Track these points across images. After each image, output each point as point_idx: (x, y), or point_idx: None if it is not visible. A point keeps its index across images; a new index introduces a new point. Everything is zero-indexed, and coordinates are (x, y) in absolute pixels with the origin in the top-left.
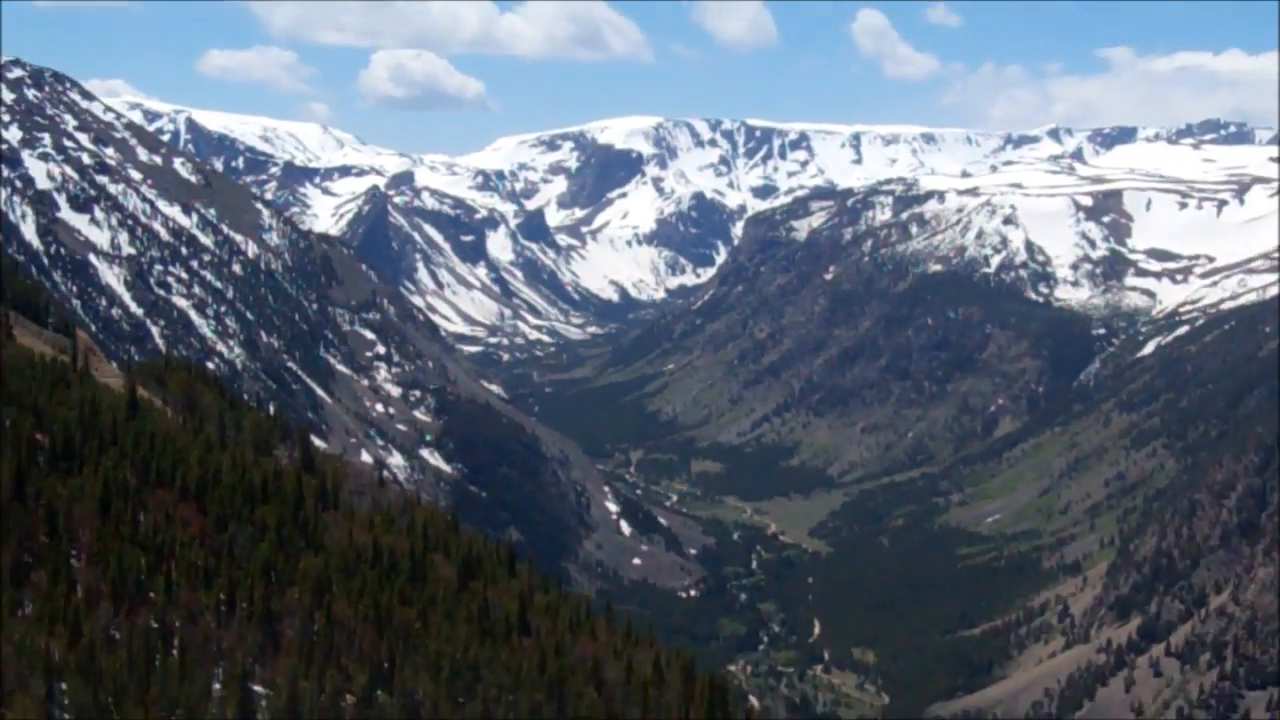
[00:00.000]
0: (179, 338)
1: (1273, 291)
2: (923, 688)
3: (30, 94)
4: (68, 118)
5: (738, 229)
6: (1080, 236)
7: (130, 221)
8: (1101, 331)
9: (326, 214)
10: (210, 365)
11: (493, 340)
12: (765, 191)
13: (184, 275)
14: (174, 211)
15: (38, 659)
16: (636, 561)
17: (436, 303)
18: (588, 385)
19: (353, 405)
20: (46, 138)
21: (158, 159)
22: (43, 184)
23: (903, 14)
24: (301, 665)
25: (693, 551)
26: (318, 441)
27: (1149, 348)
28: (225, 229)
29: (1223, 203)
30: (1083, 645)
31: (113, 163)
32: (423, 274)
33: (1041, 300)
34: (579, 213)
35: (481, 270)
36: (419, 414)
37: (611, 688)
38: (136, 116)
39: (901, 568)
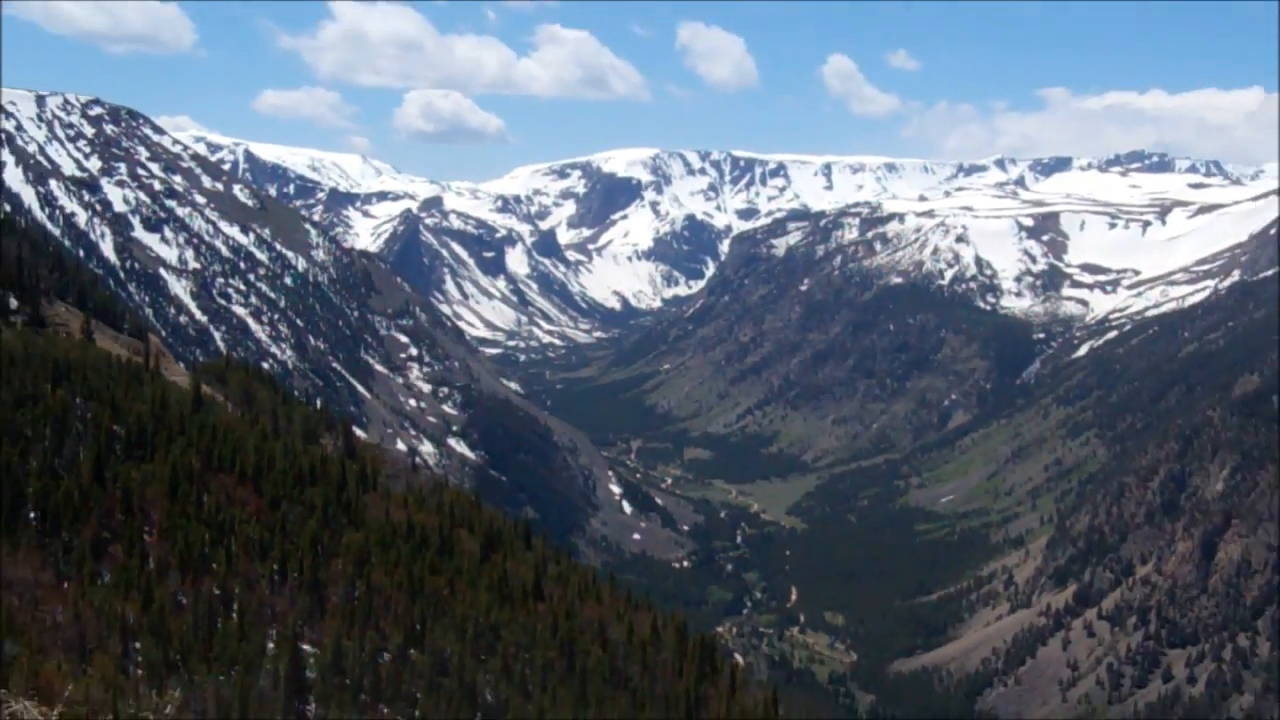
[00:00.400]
0: (238, 341)
1: (1190, 301)
2: (886, 646)
3: (108, 129)
4: (141, 150)
5: (724, 246)
6: (1023, 253)
7: (195, 240)
8: (1041, 336)
9: (366, 233)
10: (265, 365)
11: (511, 343)
12: (748, 214)
13: (242, 287)
14: (233, 231)
15: (115, 621)
16: (636, 536)
17: (462, 311)
18: (593, 383)
19: (389, 400)
20: (122, 167)
21: (219, 185)
22: (119, 207)
23: (867, 59)
24: (344, 627)
25: (685, 528)
26: (358, 432)
27: (1083, 350)
28: (278, 246)
29: (1147, 223)
30: (1025, 610)
31: (180, 189)
32: (450, 286)
33: (989, 308)
34: (586, 232)
35: (501, 282)
36: (447, 408)
37: (615, 647)
38: (200, 148)
39: (867, 542)
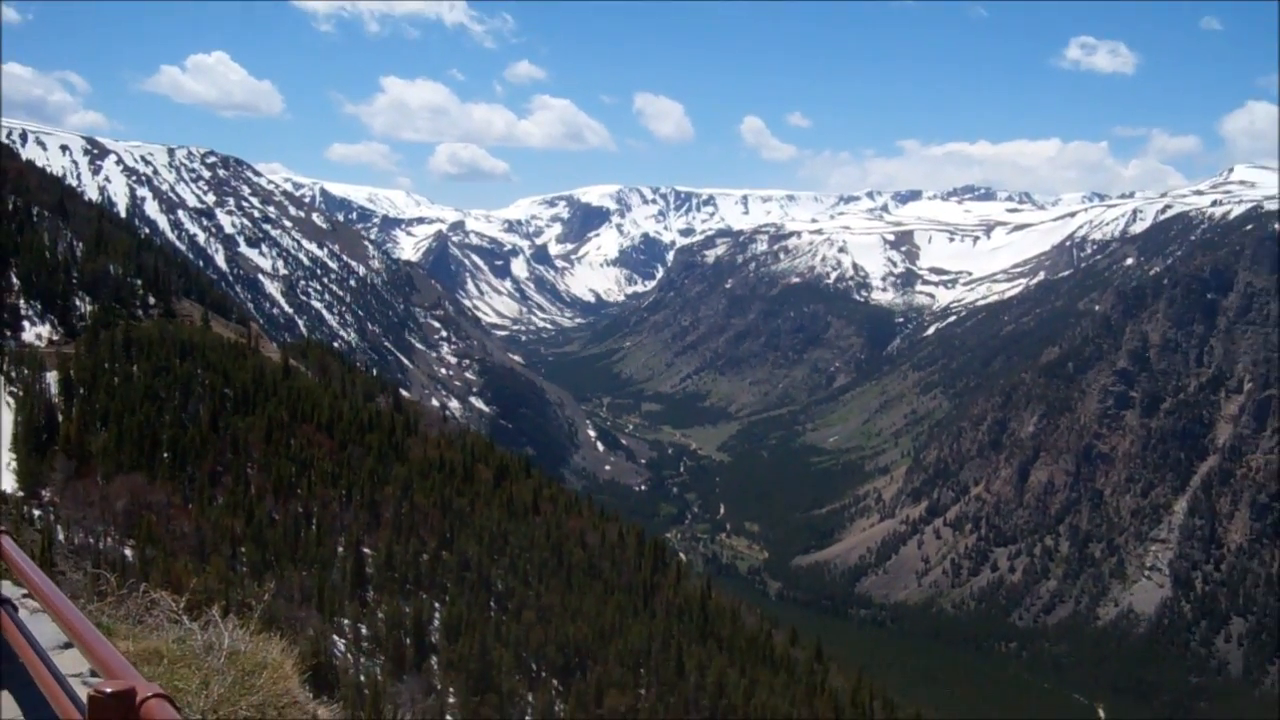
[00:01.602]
0: (315, 327)
1: (1009, 294)
2: (789, 547)
3: (220, 172)
4: (244, 187)
5: (670, 256)
6: (887, 260)
7: (284, 253)
8: (901, 320)
9: (409, 248)
10: (335, 344)
11: (515, 328)
12: (687, 232)
13: (318, 287)
14: (312, 246)
15: (225, 533)
16: (607, 468)
17: (479, 304)
18: (575, 356)
19: (426, 369)
20: (231, 200)
21: (301, 213)
22: (228, 230)
23: (773, 119)
24: (394, 535)
25: (643, 461)
26: (404, 393)
27: (931, 330)
28: (345, 258)
29: (977, 238)
30: (890, 519)
31: (273, 216)
32: (470, 286)
33: (863, 300)
34: (569, 246)
35: (508, 283)
36: (468, 375)
37: (592, 548)
38: (288, 186)
39: (775, 470)
